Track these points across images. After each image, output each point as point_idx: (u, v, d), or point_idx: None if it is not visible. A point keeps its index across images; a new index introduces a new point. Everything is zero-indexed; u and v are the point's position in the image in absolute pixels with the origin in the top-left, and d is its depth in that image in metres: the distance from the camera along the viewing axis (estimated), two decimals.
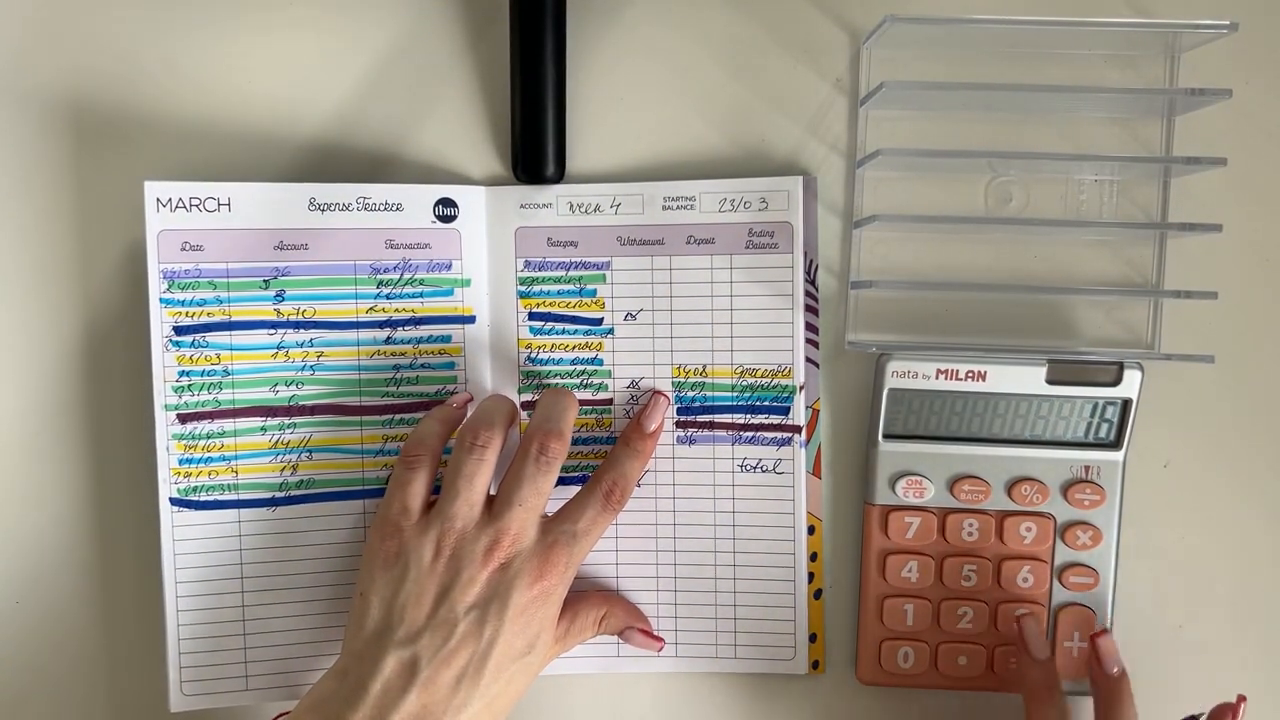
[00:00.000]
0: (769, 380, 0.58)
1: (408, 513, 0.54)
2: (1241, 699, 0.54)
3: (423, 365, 0.58)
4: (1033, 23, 0.54)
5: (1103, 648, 0.55)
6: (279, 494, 0.57)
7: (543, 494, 0.54)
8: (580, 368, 0.59)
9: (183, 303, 0.56)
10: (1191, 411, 0.59)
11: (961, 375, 0.56)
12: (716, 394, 0.58)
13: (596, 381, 0.59)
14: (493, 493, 0.55)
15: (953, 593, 0.58)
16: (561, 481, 0.56)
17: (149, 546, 0.58)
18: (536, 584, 0.53)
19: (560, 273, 0.58)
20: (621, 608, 0.58)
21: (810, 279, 0.58)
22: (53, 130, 0.58)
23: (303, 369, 0.57)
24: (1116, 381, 0.56)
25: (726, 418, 0.58)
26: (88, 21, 0.58)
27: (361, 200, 0.56)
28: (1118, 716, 0.54)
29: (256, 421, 0.57)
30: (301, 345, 0.57)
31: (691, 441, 0.59)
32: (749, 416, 0.58)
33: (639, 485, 0.58)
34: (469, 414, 0.57)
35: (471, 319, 0.58)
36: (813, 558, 0.59)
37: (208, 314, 0.56)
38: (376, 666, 0.50)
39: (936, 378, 0.56)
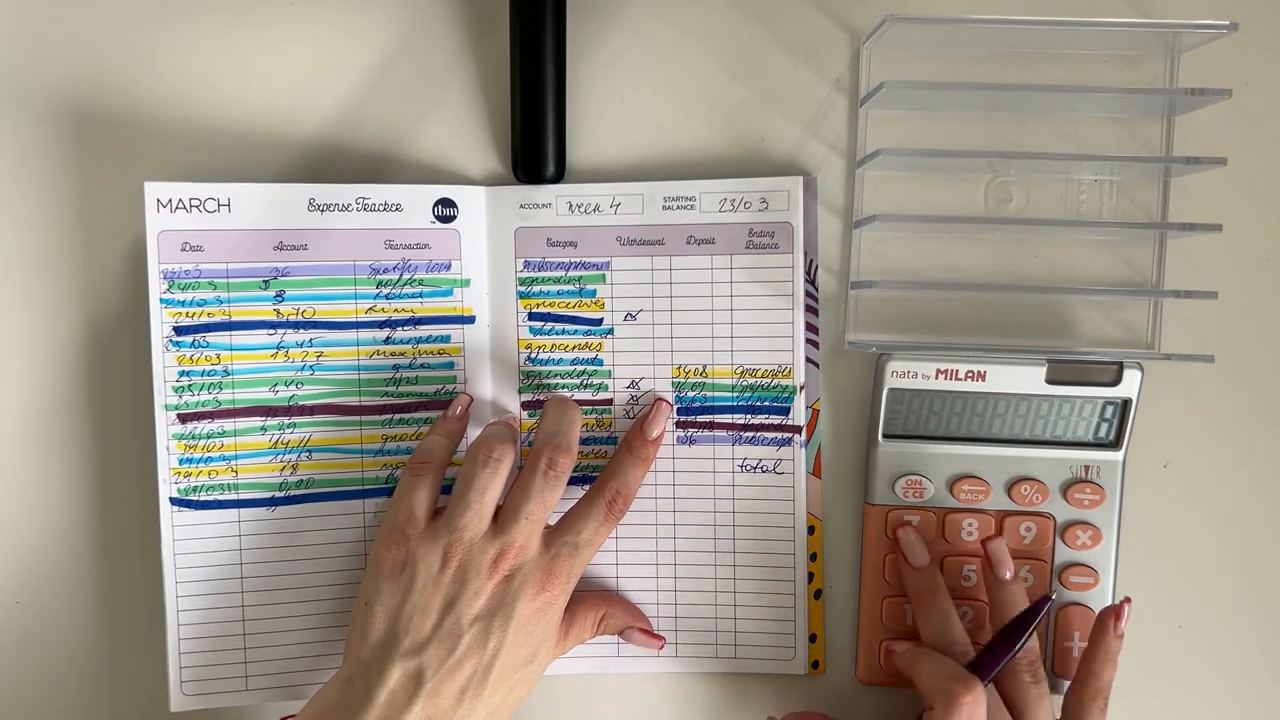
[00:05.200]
0: (769, 380, 0.58)
1: (414, 521, 0.54)
2: (1126, 600, 0.54)
3: (422, 365, 0.58)
4: (1033, 23, 0.54)
5: (994, 553, 0.56)
6: (279, 494, 0.57)
7: (549, 508, 0.54)
8: (580, 368, 0.59)
9: (183, 303, 0.56)
10: (1191, 411, 0.59)
11: (961, 375, 0.56)
12: (716, 394, 0.58)
13: (596, 382, 0.59)
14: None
15: (953, 593, 0.58)
16: None
17: (149, 546, 0.58)
18: (540, 595, 0.53)
19: (560, 273, 0.58)
20: (620, 607, 0.58)
21: (810, 279, 0.58)
22: (54, 131, 0.58)
23: (302, 369, 0.57)
24: (1116, 381, 0.56)
25: (726, 418, 0.58)
26: (89, 25, 0.58)
27: (361, 201, 0.56)
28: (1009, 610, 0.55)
29: (256, 421, 0.57)
30: (301, 345, 0.57)
31: (692, 442, 0.59)
32: (749, 416, 0.58)
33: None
34: (469, 418, 0.58)
35: (471, 319, 0.58)
36: (813, 558, 0.59)
37: (208, 314, 0.56)
38: (382, 676, 0.50)
39: (936, 378, 0.56)
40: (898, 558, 0.57)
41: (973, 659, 0.53)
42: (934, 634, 0.55)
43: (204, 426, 0.57)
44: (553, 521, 0.56)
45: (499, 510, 0.54)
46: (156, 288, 0.56)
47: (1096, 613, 0.55)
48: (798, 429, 0.58)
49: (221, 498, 0.57)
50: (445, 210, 0.57)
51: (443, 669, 0.51)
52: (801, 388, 0.58)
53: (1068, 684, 0.57)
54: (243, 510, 0.57)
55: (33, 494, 0.59)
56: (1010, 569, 0.55)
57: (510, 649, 0.52)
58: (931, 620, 0.55)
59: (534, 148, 0.57)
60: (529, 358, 0.59)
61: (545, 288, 0.58)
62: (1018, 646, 0.52)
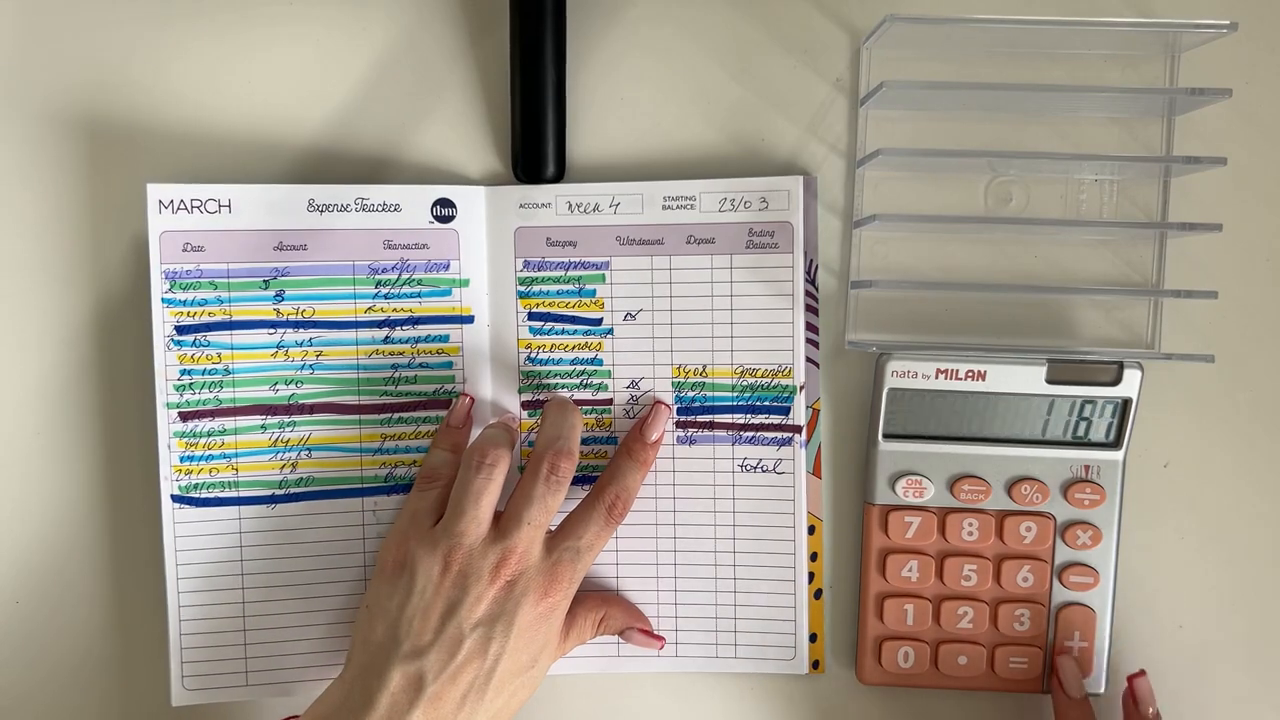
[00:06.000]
0: (769, 380, 0.58)
1: (418, 527, 0.54)
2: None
3: (420, 365, 0.58)
4: (1033, 23, 0.54)
5: (1139, 690, 0.56)
6: (279, 491, 0.57)
7: (551, 512, 0.54)
8: (580, 368, 0.59)
9: (184, 302, 0.56)
10: (1191, 411, 0.59)
11: (961, 375, 0.56)
12: (716, 394, 0.58)
13: (596, 382, 0.59)
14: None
15: (953, 592, 0.58)
16: None
17: (151, 543, 0.58)
18: (542, 601, 0.53)
19: (560, 273, 0.58)
20: (620, 608, 0.58)
21: (810, 279, 0.58)
22: (58, 134, 0.58)
23: (302, 368, 0.57)
24: (1116, 381, 0.56)
25: (726, 418, 0.58)
26: (91, 29, 0.58)
27: (360, 201, 0.57)
28: None
29: (256, 420, 0.57)
30: (301, 345, 0.57)
31: (691, 442, 0.59)
32: (749, 416, 0.58)
33: None
34: (472, 422, 0.58)
35: (470, 319, 0.58)
36: (813, 558, 0.59)
37: (209, 314, 0.57)
38: (382, 679, 0.50)
39: (936, 377, 0.56)
40: (1053, 685, 0.57)
41: None
42: None
43: (205, 424, 0.57)
44: (552, 525, 0.56)
45: (500, 515, 0.54)
46: (158, 287, 0.56)
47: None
48: (798, 429, 0.58)
49: (222, 495, 0.57)
50: (444, 210, 0.57)
51: (444, 674, 0.51)
52: (801, 387, 0.58)
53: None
54: (243, 508, 0.57)
55: (35, 491, 0.59)
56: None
57: (512, 655, 0.52)
58: None
59: (534, 148, 0.57)
60: (529, 358, 0.59)
61: (545, 287, 0.59)
62: None
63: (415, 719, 0.50)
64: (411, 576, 0.52)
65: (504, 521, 0.54)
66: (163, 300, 0.56)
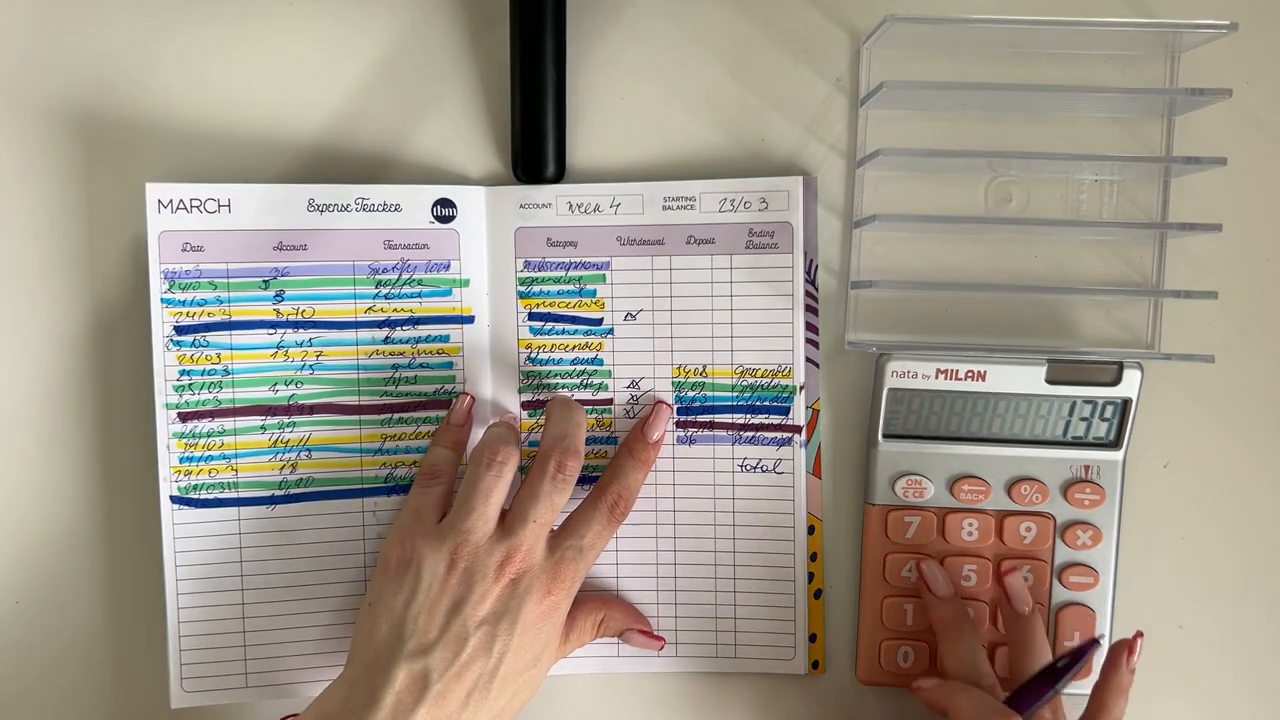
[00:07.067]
0: (769, 380, 0.58)
1: (422, 525, 0.54)
2: (1139, 634, 0.54)
3: (421, 365, 0.58)
4: (1033, 23, 0.54)
5: (1012, 586, 0.56)
6: (278, 492, 0.57)
7: (556, 510, 0.54)
8: (580, 368, 0.59)
9: (183, 303, 0.56)
10: (1191, 411, 0.59)
11: (961, 375, 0.56)
12: (716, 394, 0.58)
13: (596, 382, 0.59)
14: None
15: None
16: None
17: (150, 544, 0.58)
18: (546, 599, 0.53)
19: (560, 273, 0.58)
20: (619, 609, 0.58)
21: (810, 279, 0.58)
22: (57, 133, 0.58)
23: (302, 368, 0.57)
24: (1116, 381, 0.56)
25: (726, 418, 0.58)
26: (90, 27, 0.58)
27: (360, 201, 0.57)
28: (1030, 651, 0.55)
29: (256, 420, 0.57)
30: (301, 345, 0.57)
31: (691, 441, 0.59)
32: (749, 416, 0.58)
33: None
34: (472, 421, 0.58)
35: (470, 319, 0.58)
36: (813, 558, 0.59)
37: (208, 314, 0.56)
38: (388, 677, 0.50)
39: (936, 378, 0.56)
40: (920, 589, 0.57)
41: (1010, 695, 0.52)
42: (962, 666, 0.54)
43: (204, 425, 0.57)
44: (554, 525, 0.56)
45: (505, 513, 0.54)
46: (157, 287, 0.56)
47: (1095, 637, 0.55)
48: (798, 429, 0.58)
49: (221, 496, 0.57)
50: (444, 210, 0.57)
51: (449, 672, 0.51)
52: (801, 388, 0.58)
53: None
54: (243, 508, 0.57)
55: (34, 493, 0.59)
56: (1029, 603, 0.56)
57: (515, 652, 0.52)
58: (959, 652, 0.55)
59: (534, 148, 0.57)
60: (529, 358, 0.59)
61: (545, 288, 0.58)
62: (1058, 686, 0.52)
63: (420, 717, 0.50)
64: (417, 573, 0.52)
65: (509, 519, 0.54)
66: (162, 300, 0.56)
